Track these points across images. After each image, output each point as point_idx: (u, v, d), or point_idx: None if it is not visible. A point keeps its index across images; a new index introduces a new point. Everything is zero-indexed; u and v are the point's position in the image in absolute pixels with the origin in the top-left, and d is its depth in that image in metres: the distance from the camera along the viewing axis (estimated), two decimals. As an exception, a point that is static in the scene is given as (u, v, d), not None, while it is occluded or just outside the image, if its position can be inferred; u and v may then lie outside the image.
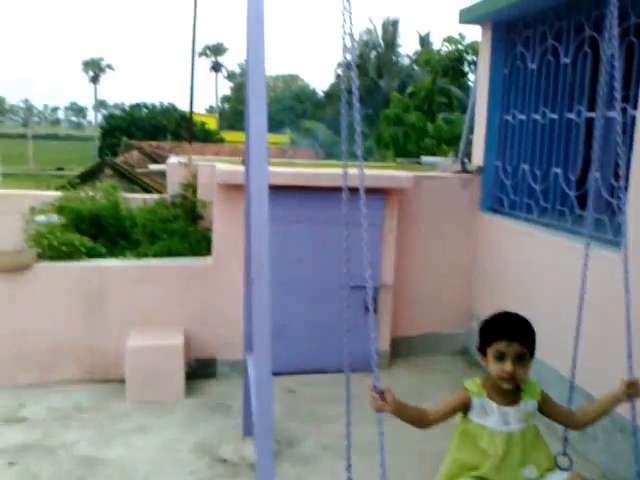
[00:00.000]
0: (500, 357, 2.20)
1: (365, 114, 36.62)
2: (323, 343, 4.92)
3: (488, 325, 2.32)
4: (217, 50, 70.69)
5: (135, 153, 28.73)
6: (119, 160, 24.85)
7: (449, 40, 16.08)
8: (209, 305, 4.83)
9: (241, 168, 4.68)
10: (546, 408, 2.36)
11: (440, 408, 2.30)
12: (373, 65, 40.90)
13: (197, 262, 4.90)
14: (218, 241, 4.85)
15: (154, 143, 33.68)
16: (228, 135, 44.65)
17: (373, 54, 42.38)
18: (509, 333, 2.21)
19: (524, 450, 2.26)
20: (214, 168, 5.47)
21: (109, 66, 68.02)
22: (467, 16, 5.44)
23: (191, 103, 6.78)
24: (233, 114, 63.28)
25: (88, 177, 21.75)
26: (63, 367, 4.67)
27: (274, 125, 56.72)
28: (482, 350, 2.29)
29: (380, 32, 43.19)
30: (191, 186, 5.86)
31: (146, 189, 20.90)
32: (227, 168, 4.74)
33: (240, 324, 4.01)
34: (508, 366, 2.18)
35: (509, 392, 2.26)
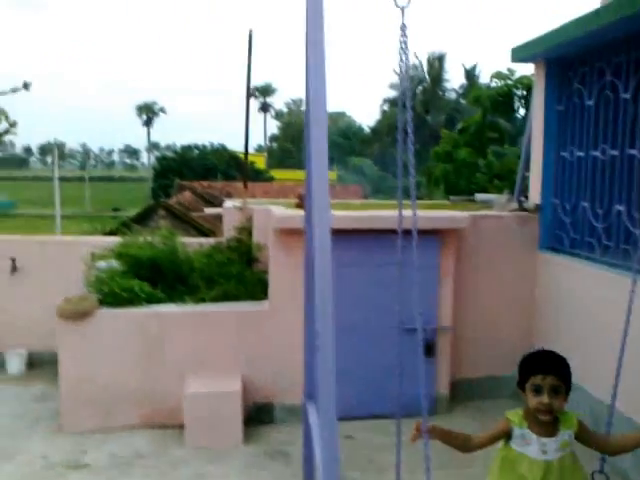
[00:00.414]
0: (537, 390, 2.34)
1: (414, 149, 36.58)
2: (380, 387, 4.82)
3: (525, 362, 2.50)
4: (266, 91, 72.30)
5: (187, 193, 29.41)
6: (172, 201, 25.45)
7: (498, 76, 16.02)
8: (266, 350, 4.82)
9: (297, 213, 4.71)
10: (583, 437, 2.46)
11: (483, 435, 2.52)
12: (419, 100, 41.07)
13: (254, 307, 4.91)
14: (274, 285, 4.87)
15: (205, 183, 34.44)
16: (276, 173, 45.30)
17: (419, 89, 42.60)
18: (544, 368, 2.37)
19: (561, 477, 2.37)
20: (269, 212, 5.53)
21: (162, 109, 70.31)
22: (520, 54, 5.41)
23: (246, 151, 6.92)
24: (281, 152, 64.35)
25: (143, 218, 22.34)
26: (123, 412, 4.72)
27: (322, 162, 57.17)
28: (521, 386, 2.45)
29: (426, 67, 43.47)
30: (246, 229, 5.93)
31: (199, 229, 21.30)
32: (283, 213, 4.77)
33: (297, 369, 3.98)
34: (545, 399, 2.32)
35: (547, 423, 2.38)
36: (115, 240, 6.02)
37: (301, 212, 4.72)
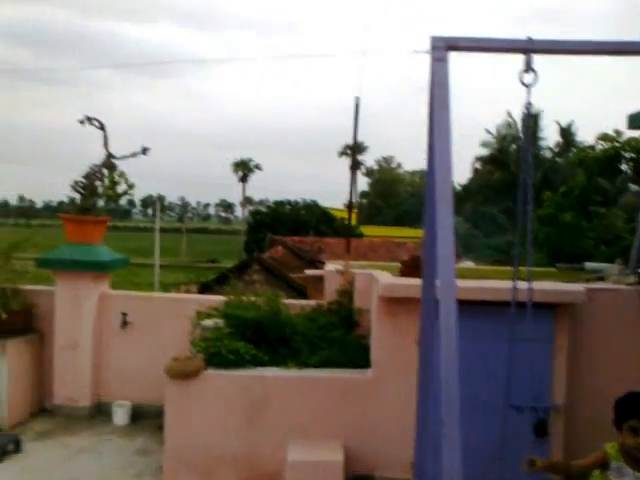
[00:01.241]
0: (634, 432, 2.57)
1: (506, 208, 35.89)
2: (486, 467, 4.57)
3: (623, 403, 2.75)
4: (357, 149, 73.46)
5: (280, 248, 29.99)
6: (265, 255, 26.03)
7: (604, 138, 15.52)
8: (369, 419, 4.70)
9: (404, 281, 4.65)
10: None
11: (582, 463, 2.78)
12: (513, 160, 40.39)
13: (357, 374, 4.83)
14: (378, 353, 4.78)
15: (297, 238, 35.07)
16: (366, 229, 45.51)
17: (513, 147, 41.97)
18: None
19: None
20: (372, 277, 5.50)
21: (257, 166, 72.78)
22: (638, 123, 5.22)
23: (349, 220, 6.99)
24: (370, 209, 64.80)
25: (238, 271, 22.91)
26: (223, 475, 4.71)
27: (412, 219, 57.13)
28: (618, 424, 2.68)
29: (520, 125, 42.84)
30: (348, 293, 5.92)
31: (291, 284, 21.55)
32: (391, 281, 4.72)
33: (401, 442, 3.86)
34: None
35: None
36: (219, 299, 6.17)
37: (408, 280, 4.67)
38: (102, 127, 6.37)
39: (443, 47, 2.66)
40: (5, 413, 5.73)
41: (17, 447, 5.27)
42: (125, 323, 6.17)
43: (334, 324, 5.60)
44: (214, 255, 62.84)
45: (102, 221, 6.31)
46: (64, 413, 6.13)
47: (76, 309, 6.10)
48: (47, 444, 5.51)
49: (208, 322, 5.41)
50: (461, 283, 4.91)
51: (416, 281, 4.56)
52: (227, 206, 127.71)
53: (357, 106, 5.97)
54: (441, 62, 2.63)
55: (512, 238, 19.52)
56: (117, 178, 6.34)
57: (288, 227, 43.04)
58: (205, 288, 23.13)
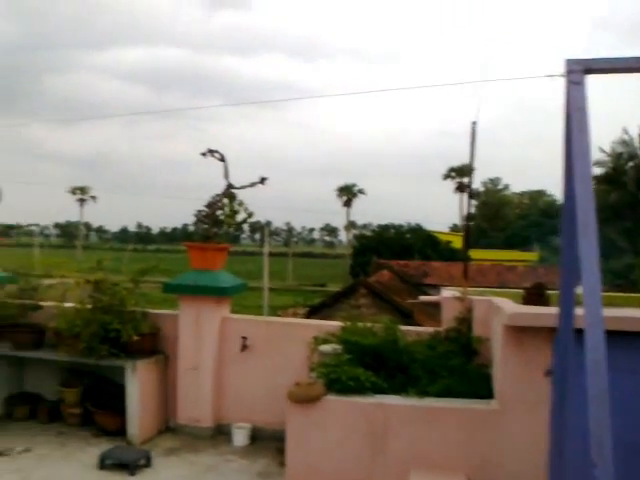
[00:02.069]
0: None
1: (625, 229, 33.86)
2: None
3: None
4: (462, 172, 72.39)
5: (385, 272, 29.93)
6: (371, 279, 26.05)
7: None
8: (494, 453, 4.54)
9: (532, 309, 4.50)
10: None
11: None
12: (631, 177, 38.10)
13: (481, 405, 4.68)
14: (504, 384, 4.61)
15: (402, 262, 34.85)
16: (473, 253, 44.42)
17: (630, 165, 39.61)
18: None
19: None
20: (493, 304, 5.36)
21: (360, 191, 73.35)
22: None
23: (466, 245, 6.88)
24: (477, 232, 63.24)
25: (344, 295, 23.05)
26: (344, 502, 4.71)
27: (520, 242, 55.21)
28: None
29: (638, 142, 40.44)
30: (466, 320, 5.80)
31: (398, 309, 21.39)
32: (517, 310, 4.56)
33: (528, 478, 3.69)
34: None
35: None
36: (336, 324, 6.23)
37: (536, 309, 4.51)
38: (223, 159, 6.67)
39: (580, 70, 2.60)
40: (136, 430, 6.05)
41: (148, 462, 5.54)
42: (245, 347, 6.36)
43: (453, 352, 5.49)
44: (319, 279, 63.64)
45: (223, 248, 6.58)
46: (187, 432, 6.38)
47: (198, 332, 6.36)
48: (174, 461, 5.75)
49: (326, 347, 5.48)
50: (607, 312, 4.64)
51: (545, 309, 4.40)
52: (331, 230, 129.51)
53: (474, 131, 5.89)
54: (578, 85, 2.56)
55: (633, 261, 18.30)
56: (237, 207, 6.60)
57: (393, 251, 42.87)
58: (313, 312, 23.48)
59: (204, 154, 6.63)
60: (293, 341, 6.24)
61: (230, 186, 6.63)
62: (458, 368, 5.18)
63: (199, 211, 6.55)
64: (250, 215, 6.57)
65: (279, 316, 19.73)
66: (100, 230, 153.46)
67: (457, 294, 6.03)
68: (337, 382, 4.77)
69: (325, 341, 5.81)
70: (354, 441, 4.70)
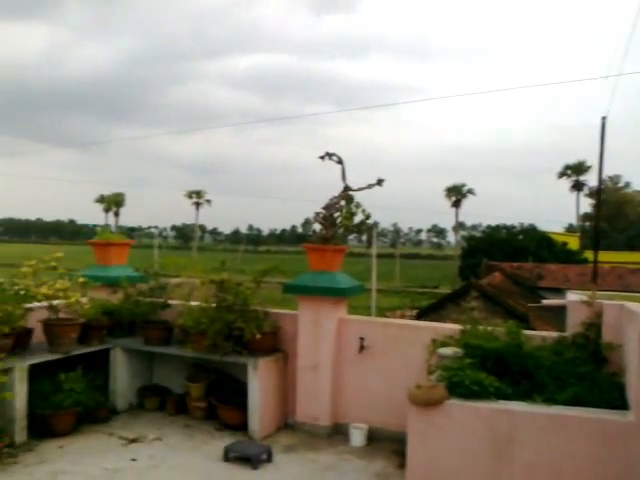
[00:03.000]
0: None
1: None
2: None
3: None
4: (578, 169, 68.87)
5: (497, 274, 29.03)
6: (482, 281, 25.36)
7: None
8: (628, 471, 4.27)
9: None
10: None
11: None
12: None
13: (615, 416, 4.41)
14: (640, 395, 4.34)
15: (515, 264, 33.62)
16: (591, 255, 42.03)
17: None
18: None
19: None
20: (623, 309, 5.08)
21: (470, 191, 71.54)
22: None
23: (596, 247, 6.55)
24: (595, 232, 59.84)
25: (455, 297, 22.62)
26: (466, 509, 4.62)
27: (645, 243, 51.64)
28: None
29: None
30: (595, 326, 5.52)
31: (512, 313, 20.70)
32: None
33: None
34: None
35: None
36: (454, 327, 6.13)
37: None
38: (340, 162, 6.76)
39: None
40: (257, 425, 6.26)
41: (269, 457, 5.72)
42: (362, 348, 6.40)
43: (581, 359, 5.25)
44: (426, 281, 62.80)
45: (341, 250, 6.66)
46: (305, 430, 6.51)
47: (317, 332, 6.48)
48: (293, 458, 5.89)
49: (446, 350, 5.41)
50: None
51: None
52: (439, 232, 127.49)
53: (603, 126, 5.58)
54: None
55: None
56: (354, 209, 6.65)
57: (505, 252, 41.47)
58: (422, 314, 23.21)
59: (322, 157, 6.75)
60: (410, 343, 6.21)
61: (347, 188, 6.71)
62: (587, 375, 4.95)
63: (317, 213, 6.67)
64: (368, 217, 6.61)
65: (387, 317, 19.69)
66: (214, 232, 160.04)
67: (584, 298, 5.75)
68: (460, 386, 4.69)
69: (444, 344, 5.73)
70: (477, 448, 4.60)
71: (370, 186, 6.68)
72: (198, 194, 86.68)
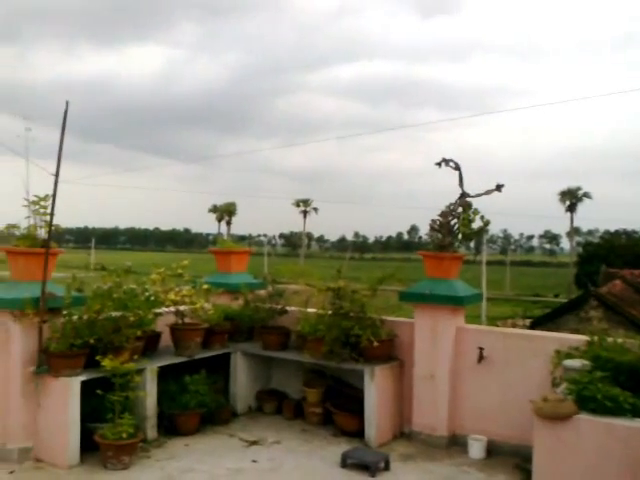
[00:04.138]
0: None
1: None
2: None
3: None
4: None
5: (617, 282, 27.36)
6: (602, 290, 24.02)
7: None
8: None
9: None
10: None
11: None
12: None
13: None
14: None
15: (636, 272, 31.54)
16: None
17: None
18: None
19: None
20: None
21: (585, 194, 67.95)
22: None
23: None
24: None
25: (572, 307, 21.56)
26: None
27: None
28: None
29: None
30: None
31: (635, 323, 19.43)
32: None
33: None
34: None
35: None
36: (579, 338, 5.85)
37: None
38: (457, 168, 6.64)
39: None
40: (374, 433, 6.27)
41: (387, 466, 5.70)
42: (481, 358, 6.24)
43: None
44: (539, 289, 60.29)
45: (458, 257, 6.54)
46: (422, 440, 6.43)
47: (434, 341, 6.40)
48: (411, 467, 5.83)
49: (573, 363, 5.16)
50: None
51: None
52: (552, 238, 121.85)
53: None
54: None
55: None
56: (472, 216, 6.52)
57: (625, 259, 39.07)
58: (537, 323, 22.28)
59: (439, 164, 6.67)
60: (532, 354, 5.98)
61: (464, 194, 6.58)
62: None
63: (433, 220, 6.60)
64: (487, 224, 6.45)
65: (497, 327, 19.11)
66: (320, 240, 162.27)
67: None
68: (591, 400, 4.46)
69: (568, 355, 5.48)
70: (610, 468, 4.35)
71: (488, 192, 6.52)
72: (305, 202, 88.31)
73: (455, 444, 6.35)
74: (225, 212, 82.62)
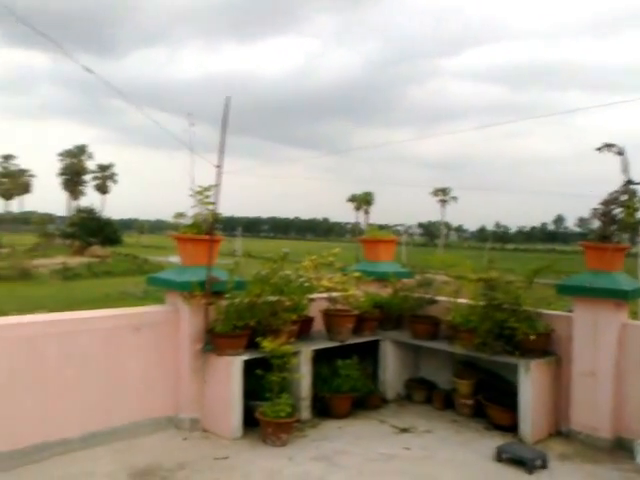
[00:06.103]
0: None
1: None
2: None
3: None
4: None
5: None
6: None
7: None
8: None
9: None
10: None
11: None
12: None
13: None
14: None
15: None
16: None
17: None
18: None
19: None
20: None
21: None
22: None
23: None
24: None
25: None
26: None
27: None
28: None
29: None
30: None
31: None
32: None
33: None
34: None
35: None
36: None
37: None
38: (621, 153, 6.22)
39: None
40: (529, 429, 6.07)
41: (544, 464, 5.50)
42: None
43: None
44: None
45: (622, 249, 6.14)
46: (581, 440, 6.13)
47: (595, 337, 6.06)
48: (569, 468, 5.58)
49: None
50: None
51: None
52: None
53: None
54: None
55: None
56: (637, 204, 6.08)
57: None
58: None
59: (600, 149, 6.27)
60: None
61: (629, 182, 6.15)
62: None
63: (595, 209, 6.23)
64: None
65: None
66: (459, 229, 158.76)
67: None
68: None
69: None
70: None
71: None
72: (444, 191, 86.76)
73: (620, 448, 5.96)
74: (363, 201, 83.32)
